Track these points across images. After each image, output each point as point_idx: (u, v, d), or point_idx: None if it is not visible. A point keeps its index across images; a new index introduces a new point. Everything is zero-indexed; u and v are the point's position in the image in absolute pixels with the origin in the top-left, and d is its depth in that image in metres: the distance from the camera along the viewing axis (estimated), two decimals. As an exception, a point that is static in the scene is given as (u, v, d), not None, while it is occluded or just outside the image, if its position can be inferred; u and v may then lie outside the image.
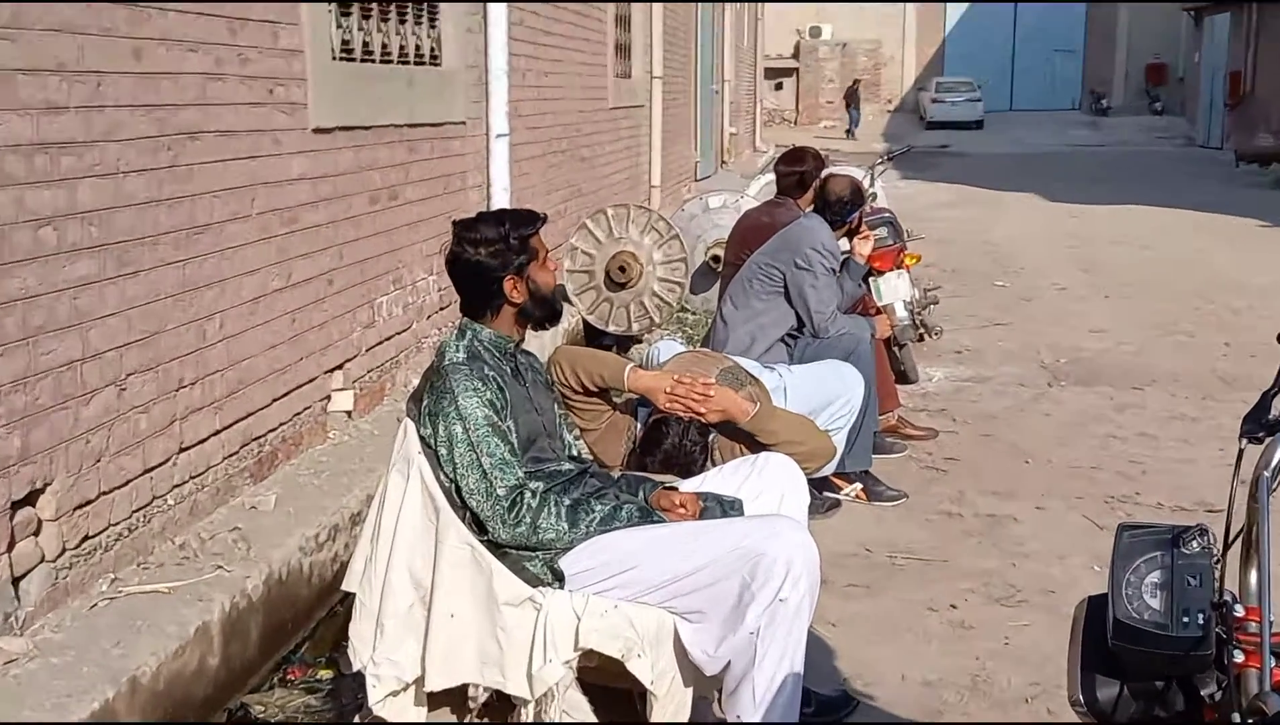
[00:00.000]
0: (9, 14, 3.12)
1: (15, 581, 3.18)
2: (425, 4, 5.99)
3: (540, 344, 5.82)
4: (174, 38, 3.81)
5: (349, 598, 3.11)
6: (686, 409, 3.65)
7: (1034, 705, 3.44)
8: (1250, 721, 1.53)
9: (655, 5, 12.42)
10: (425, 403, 3.01)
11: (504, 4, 6.71)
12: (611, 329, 7.68)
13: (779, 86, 43.67)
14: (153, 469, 3.75)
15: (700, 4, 16.66)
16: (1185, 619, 1.59)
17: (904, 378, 6.88)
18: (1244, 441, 1.70)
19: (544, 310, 3.16)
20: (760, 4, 29.33)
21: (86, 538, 3.44)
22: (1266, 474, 1.64)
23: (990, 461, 5.72)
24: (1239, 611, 1.61)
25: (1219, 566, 1.67)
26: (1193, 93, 33.57)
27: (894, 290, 6.69)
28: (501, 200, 6.76)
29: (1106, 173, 23.01)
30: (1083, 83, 46.06)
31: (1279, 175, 21.27)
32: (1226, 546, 1.68)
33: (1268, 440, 1.68)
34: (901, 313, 6.66)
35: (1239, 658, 1.59)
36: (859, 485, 5.17)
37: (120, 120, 3.55)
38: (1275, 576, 1.60)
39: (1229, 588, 1.65)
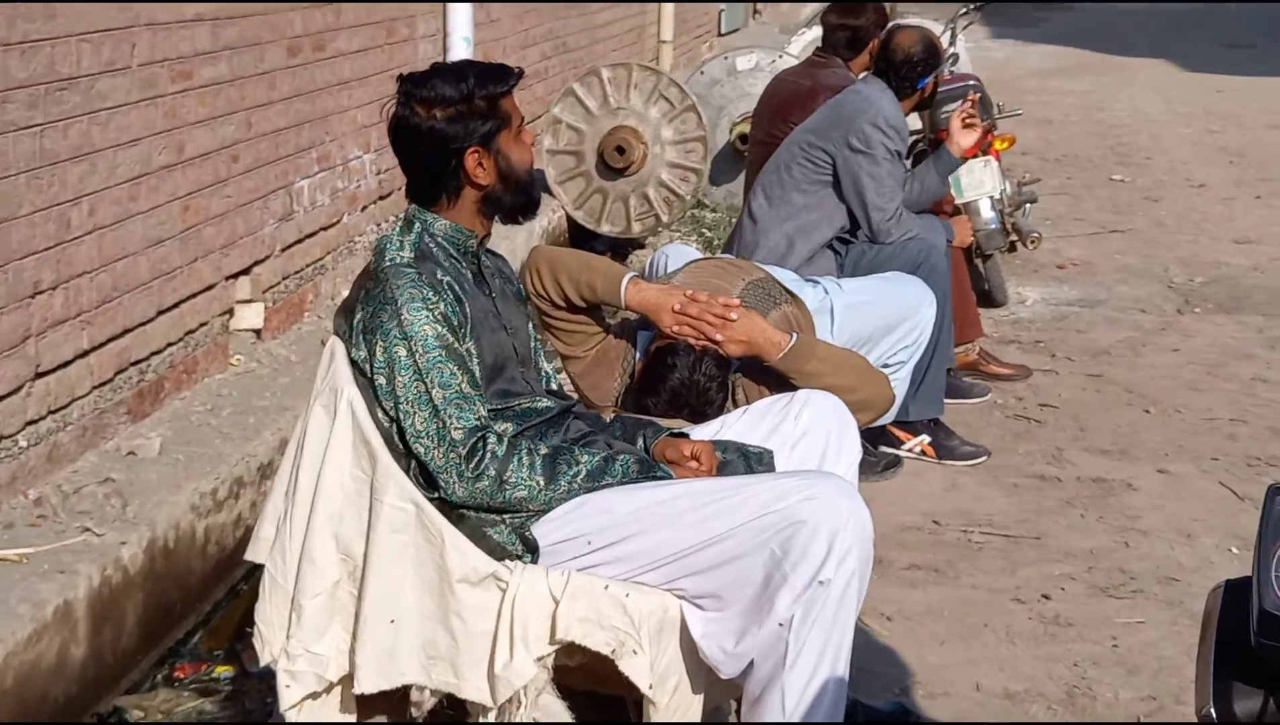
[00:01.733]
0: None
1: None
2: None
3: (511, 246, 5.82)
4: None
5: (256, 572, 3.11)
6: (700, 334, 3.63)
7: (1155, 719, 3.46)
8: None
9: None
10: (359, 317, 2.99)
11: None
12: (605, 229, 7.66)
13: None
14: (-1, 400, 3.75)
15: None
16: (1352, 612, 1.60)
17: (989, 299, 6.87)
18: None
19: (517, 196, 3.12)
20: None
21: (-87, 488, 3.46)
22: None
23: (1099, 410, 5.72)
24: None
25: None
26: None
27: (979, 183, 6.65)
28: (462, 54, 6.71)
29: (1265, 31, 22.78)
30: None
31: None
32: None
33: None
34: (988, 213, 6.62)
35: None
36: (926, 438, 5.18)
37: (-44, -64, 3.53)
38: None
39: None
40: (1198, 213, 9.52)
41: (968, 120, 5.61)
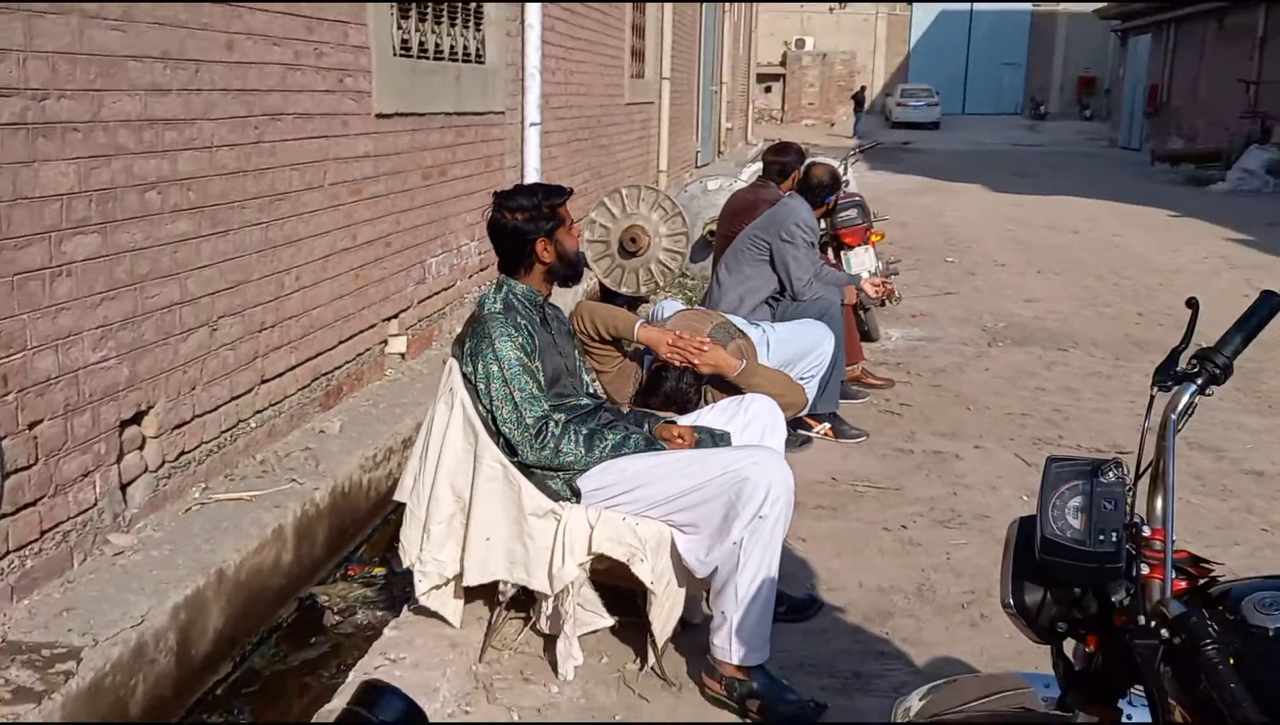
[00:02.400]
0: (120, 10, 3.09)
1: (123, 488, 3.20)
2: (472, 8, 5.93)
3: (565, 301, 5.82)
4: (260, 33, 3.78)
5: (400, 507, 3.12)
6: (684, 359, 3.63)
7: (969, 610, 3.43)
8: (1152, 623, 1.52)
9: (666, 15, 12.29)
10: (467, 346, 3.00)
11: (538, 5, 6.64)
12: (624, 290, 7.66)
13: (768, 89, 43.22)
14: (239, 397, 3.76)
15: (703, 15, 16.47)
16: (1101, 537, 1.58)
17: (867, 336, 6.85)
18: (1155, 390, 1.69)
19: (569, 270, 3.13)
20: (754, 17, 29.01)
21: (183, 453, 3.46)
22: (1174, 417, 1.64)
23: (938, 408, 5.70)
24: (1146, 532, 1.60)
25: (1130, 494, 1.66)
26: (1117, 102, 33.22)
27: (861, 262, 6.64)
28: (533, 179, 6.73)
29: (1042, 168, 22.81)
30: (1025, 91, 45.69)
31: (1188, 174, 21.08)
32: (1137, 478, 1.67)
33: (1175, 388, 1.67)
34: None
35: (1145, 570, 1.58)
36: (828, 425, 5.16)
37: (214, 101, 3.53)
38: (1177, 504, 1.60)
39: (1138, 512, 1.65)
40: (1000, 282, 9.49)
41: (880, 291, 5.70)
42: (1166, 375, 1.68)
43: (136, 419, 3.26)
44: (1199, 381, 1.66)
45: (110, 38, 3.04)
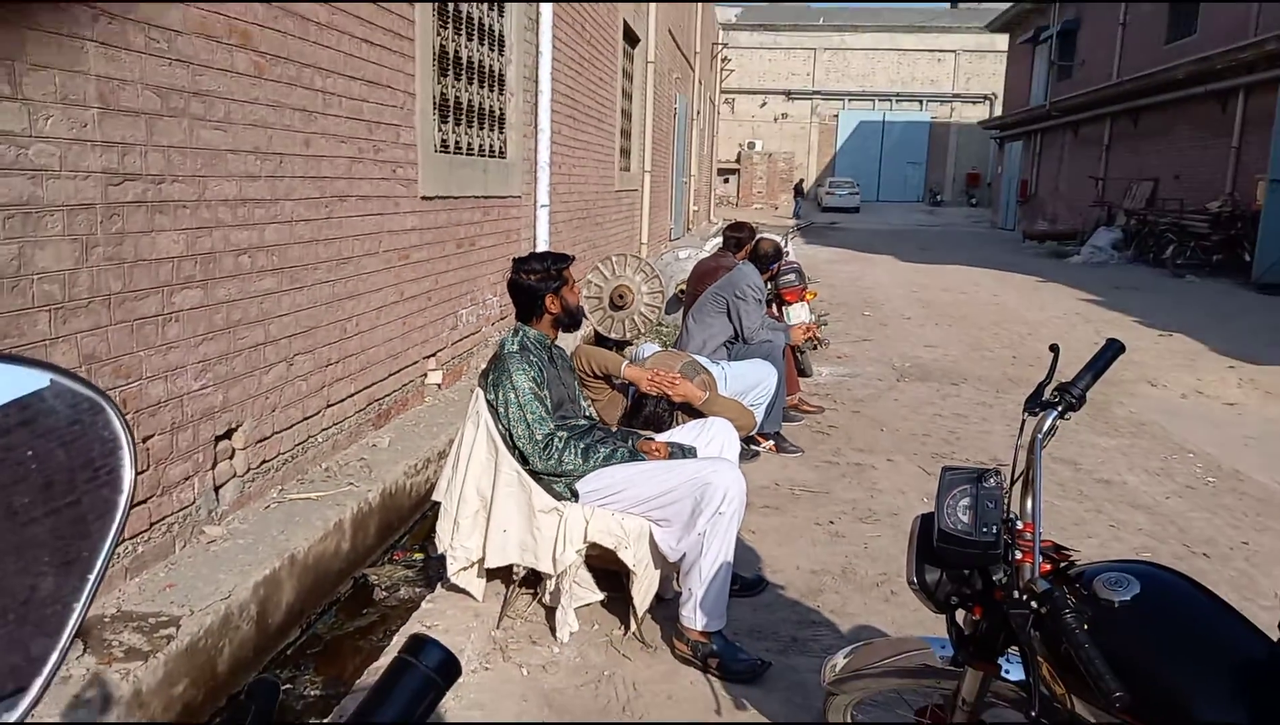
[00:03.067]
0: (223, 112, 3.10)
1: (216, 489, 3.17)
2: (497, 117, 5.97)
3: (566, 343, 5.81)
4: (331, 133, 3.79)
5: (436, 505, 3.10)
6: (660, 391, 3.63)
7: (882, 588, 3.43)
8: (1024, 597, 1.53)
9: (648, 123, 12.38)
10: (490, 377, 2.98)
11: (548, 114, 6.68)
12: (613, 336, 7.66)
13: (726, 180, 43.54)
14: (309, 418, 3.73)
15: (676, 123, 16.61)
16: (984, 529, 1.58)
17: (804, 372, 6.87)
18: (1025, 414, 1.71)
19: (570, 319, 3.13)
20: (715, 124, 29.27)
21: (264, 462, 3.42)
22: (1040, 436, 1.65)
23: (858, 429, 5.70)
24: (1019, 526, 1.61)
25: (1007, 496, 1.67)
26: (997, 192, 33.57)
27: (798, 315, 6.65)
28: (542, 249, 6.74)
29: (938, 244, 22.97)
30: (925, 183, 46.12)
31: (1051, 249, 21.28)
32: (1012, 483, 1.68)
33: (1040, 413, 1.69)
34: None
35: (1019, 556, 1.59)
36: (772, 442, 5.15)
37: (294, 186, 3.53)
38: (1043, 504, 1.60)
39: (1014, 511, 1.65)
40: (906, 331, 9.52)
41: (807, 335, 5.67)
42: (1035, 403, 1.70)
43: (228, 435, 3.23)
44: (1059, 408, 1.68)
45: (214, 135, 3.05)
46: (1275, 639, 1.35)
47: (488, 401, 2.96)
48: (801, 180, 41.15)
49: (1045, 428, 1.65)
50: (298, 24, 3.47)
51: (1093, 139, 22.98)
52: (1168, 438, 5.65)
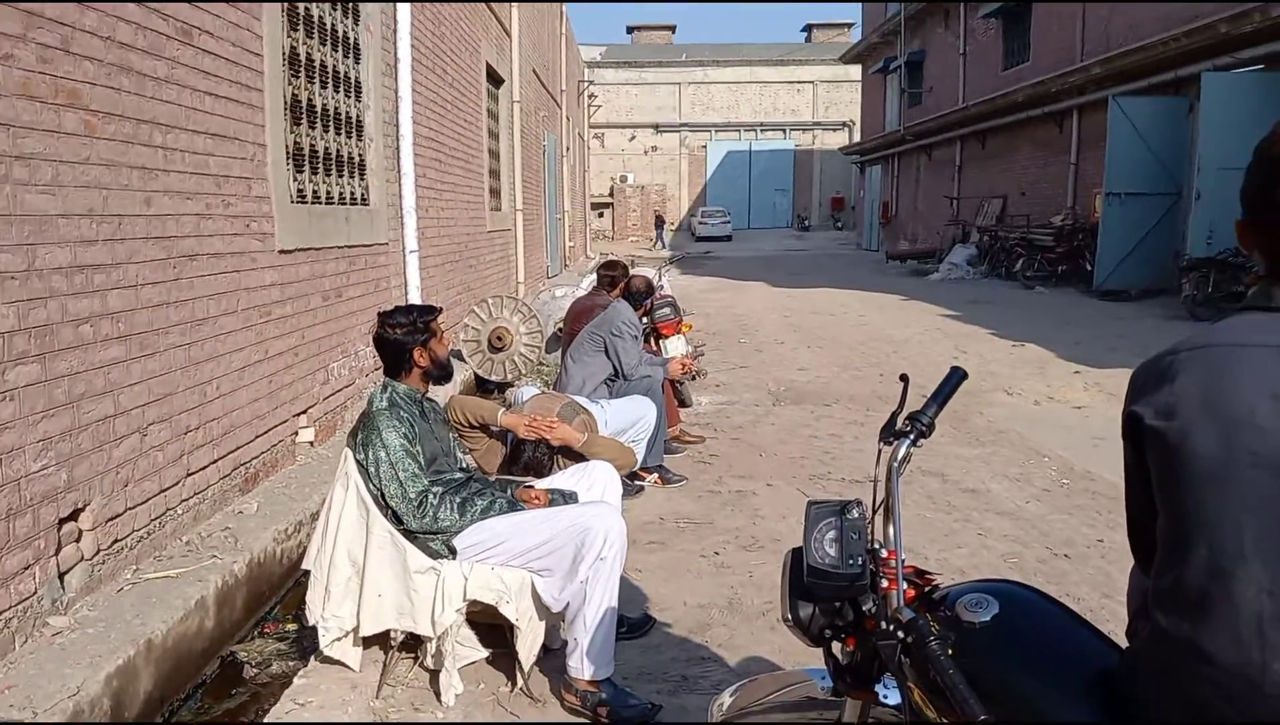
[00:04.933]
0: (50, 174, 2.92)
1: (61, 576, 2.94)
2: (356, 163, 5.85)
3: (444, 392, 5.70)
4: (175, 190, 3.62)
5: (307, 573, 2.96)
6: (538, 437, 3.61)
7: (768, 617, 3.46)
8: (890, 627, 1.56)
9: (516, 162, 12.38)
10: (359, 436, 2.90)
11: (410, 157, 6.59)
12: (494, 378, 7.57)
13: (601, 214, 43.93)
14: (167, 490, 3.52)
15: (546, 160, 16.67)
16: (850, 561, 1.61)
17: (684, 403, 6.94)
18: (881, 444, 1.76)
19: (440, 372, 3.07)
20: (586, 159, 29.55)
21: (116, 541, 3.21)
22: (895, 464, 1.70)
23: (738, 456, 5.77)
24: (883, 554, 1.65)
25: (870, 525, 1.71)
26: (860, 215, 35.04)
27: (676, 348, 6.72)
28: (414, 296, 6.61)
29: (808, 268, 23.73)
30: (793, 209, 47.62)
31: (912, 267, 22.27)
32: (874, 513, 1.72)
33: (895, 443, 1.74)
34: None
35: (884, 583, 1.63)
36: (656, 475, 5.17)
37: (136, 248, 3.35)
38: (913, 518, 1.65)
39: (877, 539, 1.70)
40: (780, 356, 9.74)
41: (684, 370, 5.71)
42: (889, 433, 1.76)
43: (74, 516, 3.01)
44: (911, 437, 1.74)
45: (40, 200, 2.87)
46: (1124, 646, 1.43)
47: (357, 461, 2.87)
48: (659, 215, 41.58)
49: (900, 456, 1.70)
50: (133, 80, 3.31)
51: (945, 160, 24.34)
52: (1025, 444, 5.96)
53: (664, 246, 37.58)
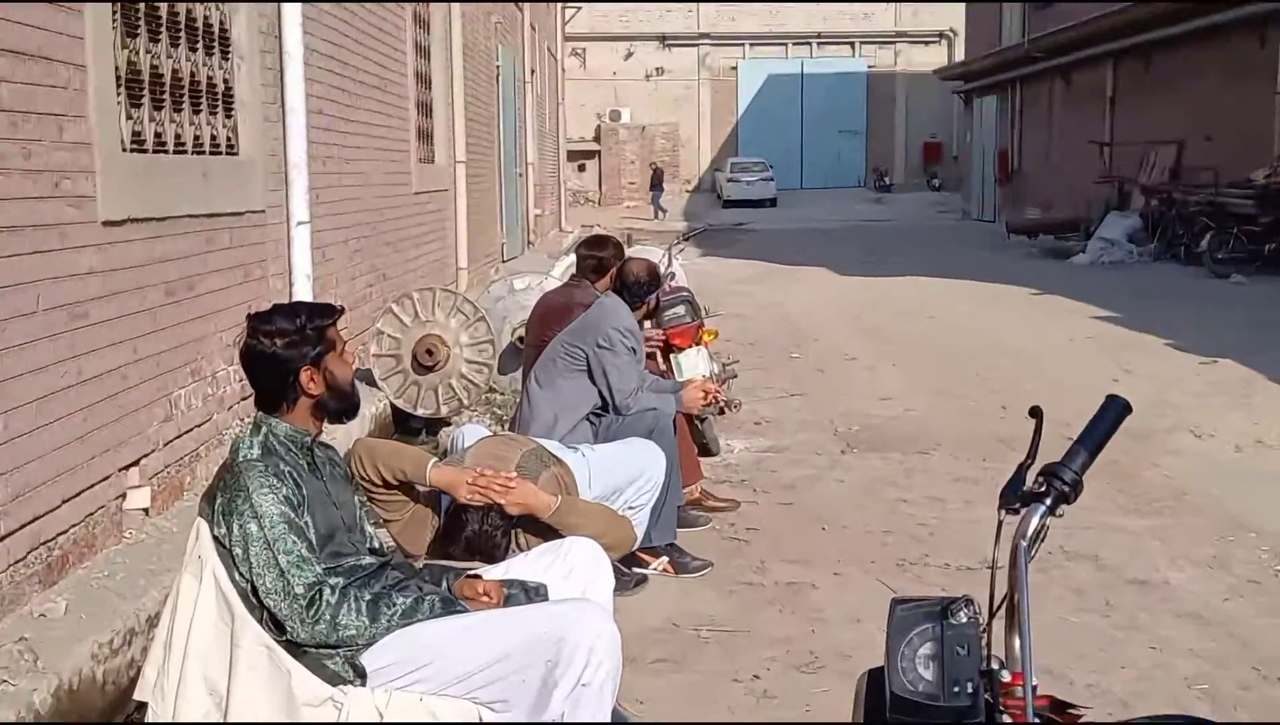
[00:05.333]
0: None
1: None
2: (220, 91, 5.86)
3: (346, 432, 5.69)
4: (-51, 133, 3.63)
5: (143, 707, 2.94)
6: (488, 501, 3.60)
7: (836, 771, 3.46)
8: (1018, 781, 1.56)
9: (457, 90, 12.45)
10: (219, 501, 2.89)
11: (300, 81, 6.62)
12: (421, 412, 7.56)
13: (582, 168, 44.22)
14: (-71, 581, 3.50)
15: (500, 88, 16.77)
16: (956, 688, 1.61)
17: (706, 451, 6.94)
18: (1002, 513, 1.75)
19: (341, 403, 3.07)
20: (560, 88, 29.75)
21: None
22: (1024, 543, 1.69)
23: (789, 530, 5.77)
24: (1005, 677, 1.64)
25: (985, 635, 1.71)
26: (966, 170, 35.24)
27: (694, 366, 6.76)
28: (304, 288, 6.61)
29: (891, 246, 23.86)
30: (866, 161, 47.82)
31: (1047, 246, 22.39)
32: (991, 615, 1.72)
33: (1023, 511, 1.74)
34: (702, 388, 6.73)
35: (1006, 720, 1.62)
36: (665, 559, 5.16)
37: (-111, 219, 3.35)
38: (1035, 641, 1.64)
39: (996, 654, 1.69)
40: (851, 378, 9.80)
41: (705, 400, 5.68)
42: (1013, 496, 1.75)
43: None
44: (1048, 502, 1.73)
45: None
46: None
47: (216, 539, 2.86)
48: (658, 167, 41.33)
49: (1030, 531, 1.70)
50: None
51: (1092, 89, 24.51)
52: (1220, 511, 5.96)
53: (664, 216, 37.68)
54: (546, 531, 3.66)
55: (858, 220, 34.43)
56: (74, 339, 4.34)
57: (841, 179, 47.36)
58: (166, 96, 5.21)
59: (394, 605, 2.89)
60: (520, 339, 7.89)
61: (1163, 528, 5.72)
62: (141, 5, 4.99)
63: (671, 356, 6.78)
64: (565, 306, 5.83)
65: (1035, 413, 1.84)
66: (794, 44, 47.28)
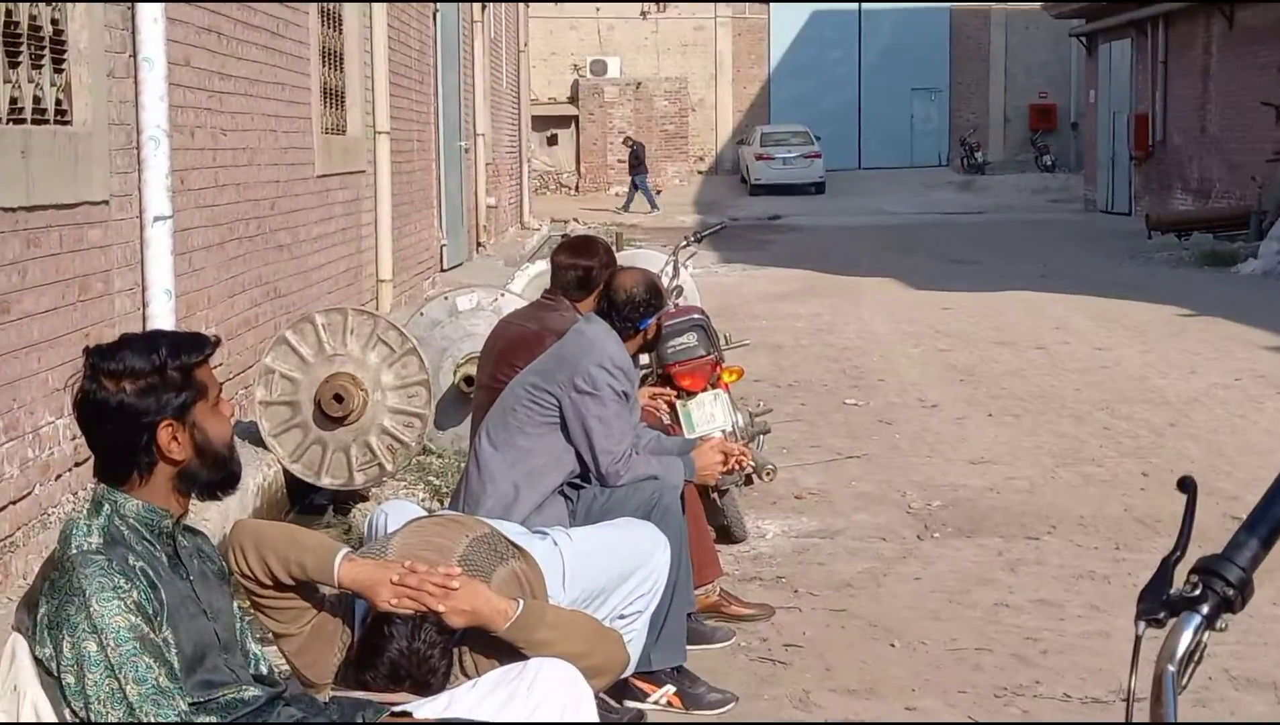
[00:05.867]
0: None
1: None
2: (47, 33, 5.88)
3: (222, 511, 5.68)
4: None
5: None
6: (420, 609, 3.58)
7: None
8: None
9: (378, 34, 12.48)
10: (43, 610, 2.87)
11: (160, 22, 6.63)
12: (326, 482, 7.54)
13: (553, 141, 44.35)
14: None
15: (439, 32, 16.82)
16: None
17: (728, 535, 6.92)
18: (1142, 626, 1.75)
19: (215, 471, 3.04)
20: (522, 30, 29.87)
21: None
22: (1171, 669, 1.68)
23: (844, 646, 5.73)
24: None
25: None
26: (1089, 143, 35.26)
27: (709, 418, 6.76)
28: (163, 310, 6.61)
29: (985, 248, 23.85)
30: (950, 130, 47.83)
31: (1203, 248, 22.28)
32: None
33: (1170, 623, 1.73)
34: (720, 448, 6.73)
35: None
36: (671, 688, 5.13)
37: None
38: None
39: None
40: (931, 434, 9.77)
41: (725, 466, 5.63)
42: (1157, 602, 1.75)
43: None
44: (1205, 609, 1.72)
45: None
46: None
47: (37, 660, 2.85)
48: (631, 140, 41.06)
49: (1181, 649, 1.69)
50: None
51: (1265, 31, 24.56)
52: None
53: (653, 209, 37.67)
54: (504, 651, 3.64)
55: (938, 213, 34.51)
56: None
57: (915, 155, 47.41)
58: (-28, 42, 5.24)
59: (288, 757, 2.88)
60: (467, 380, 7.90)
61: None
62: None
63: (679, 404, 6.77)
64: (531, 335, 5.82)
65: (1187, 485, 1.84)
66: (848, -30, 47.52)
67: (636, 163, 39.49)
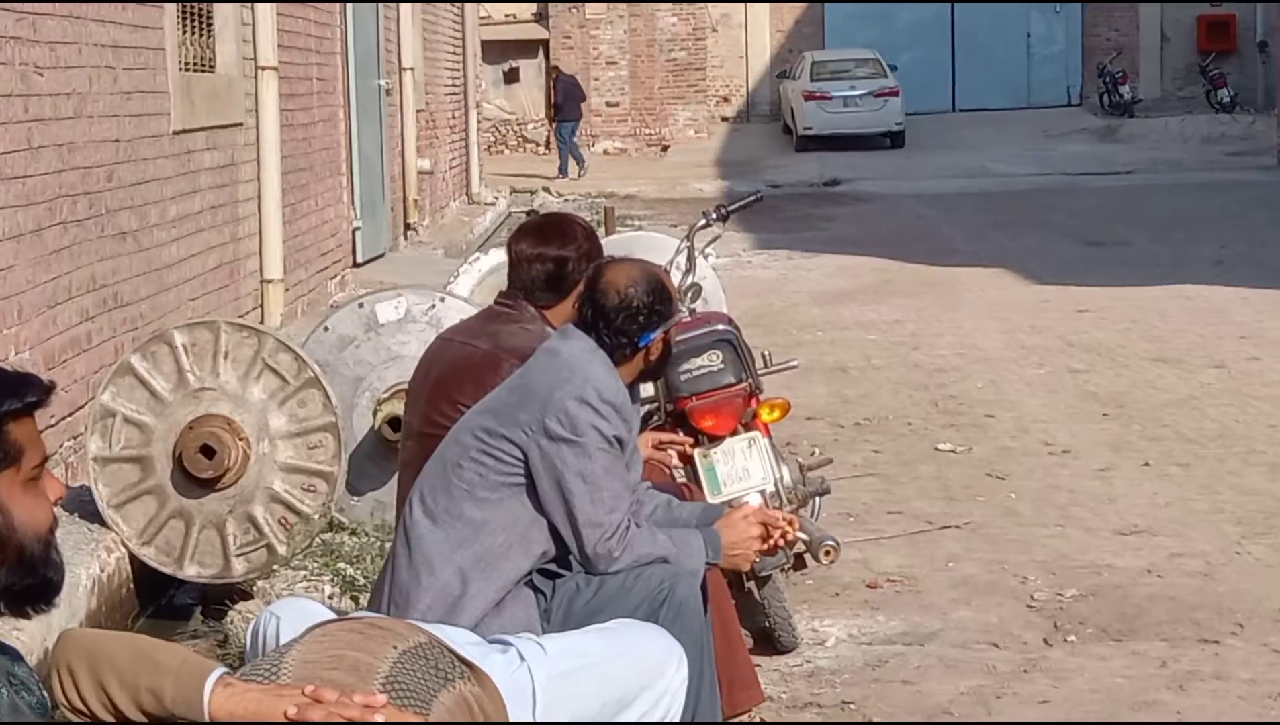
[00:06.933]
0: None
1: None
2: None
3: (44, 619, 5.68)
4: None
5: None
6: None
7: None
8: None
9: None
10: None
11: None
12: (191, 573, 7.56)
13: (513, 76, 44.44)
14: None
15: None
16: None
17: (770, 642, 6.93)
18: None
19: (26, 575, 3.05)
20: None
21: None
22: None
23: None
24: None
25: None
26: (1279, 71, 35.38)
27: (741, 473, 6.76)
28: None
29: (1136, 225, 23.85)
30: (1082, 57, 47.95)
31: None
32: None
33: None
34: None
35: None
36: None
37: None
38: None
39: None
40: (1063, 493, 9.75)
41: (766, 543, 5.60)
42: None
43: None
44: None
45: None
46: None
47: None
48: (558, 70, 41.36)
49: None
50: None
51: None
52: None
53: (583, 170, 37.73)
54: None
55: (1067, 173, 34.52)
56: None
57: (1034, 92, 47.55)
58: None
59: None
60: (393, 423, 7.91)
61: None
62: None
63: (697, 455, 6.77)
64: (482, 358, 5.84)
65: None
66: None
67: (569, 104, 39.64)
